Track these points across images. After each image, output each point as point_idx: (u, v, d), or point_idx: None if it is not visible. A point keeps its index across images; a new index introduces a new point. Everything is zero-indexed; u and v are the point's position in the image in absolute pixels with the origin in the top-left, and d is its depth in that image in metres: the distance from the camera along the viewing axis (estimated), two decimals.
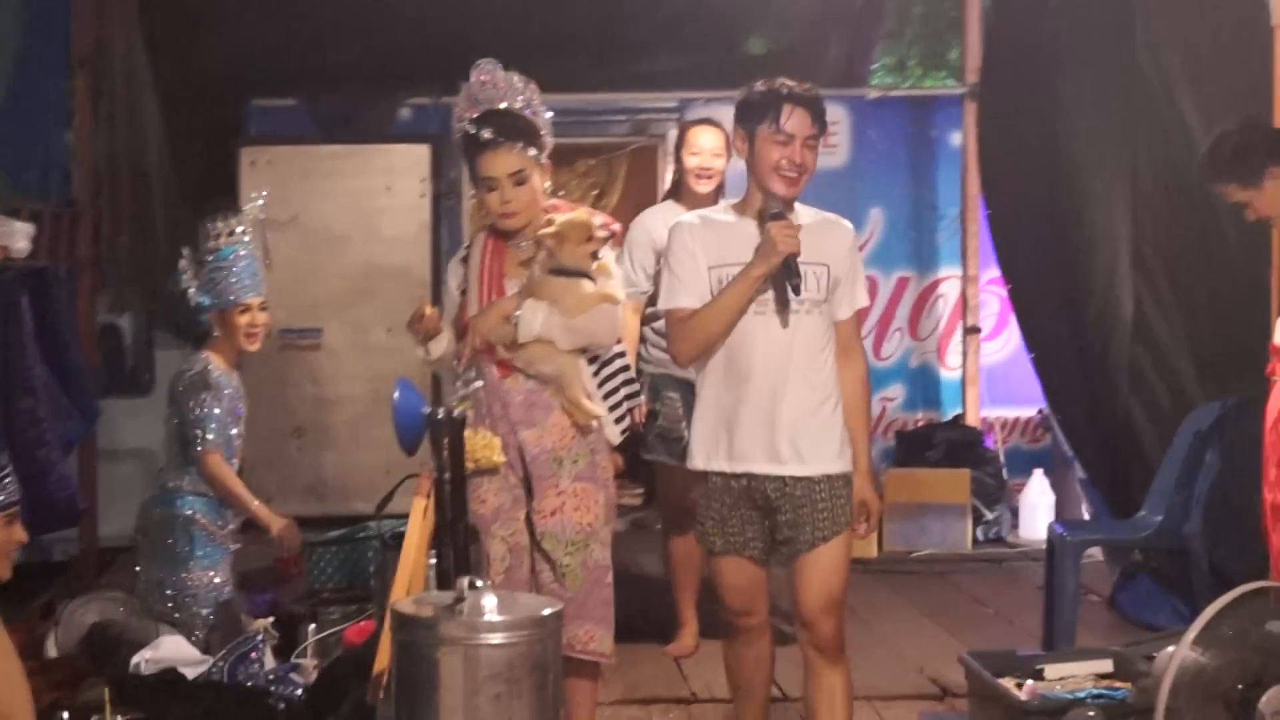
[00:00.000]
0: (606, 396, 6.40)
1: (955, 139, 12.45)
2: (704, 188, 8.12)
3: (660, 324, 8.17)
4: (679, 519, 8.40)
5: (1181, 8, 9.27)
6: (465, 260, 6.44)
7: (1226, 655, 5.53)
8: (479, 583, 4.69)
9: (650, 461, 8.59)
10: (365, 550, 7.73)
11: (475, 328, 6.21)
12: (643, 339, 8.39)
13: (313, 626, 7.29)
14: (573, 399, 6.21)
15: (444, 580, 5.34)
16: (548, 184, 6.33)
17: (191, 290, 7.51)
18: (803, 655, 6.22)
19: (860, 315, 6.26)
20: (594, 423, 6.26)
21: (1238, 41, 8.50)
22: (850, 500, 6.02)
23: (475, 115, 6.26)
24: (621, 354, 6.49)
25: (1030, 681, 6.63)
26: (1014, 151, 10.54)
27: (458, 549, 5.38)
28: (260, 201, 7.87)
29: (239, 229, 7.59)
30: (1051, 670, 6.71)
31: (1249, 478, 7.77)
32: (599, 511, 6.30)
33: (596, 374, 6.37)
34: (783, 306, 5.86)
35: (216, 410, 7.37)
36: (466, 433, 5.93)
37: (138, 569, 7.57)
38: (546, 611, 4.74)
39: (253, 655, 6.67)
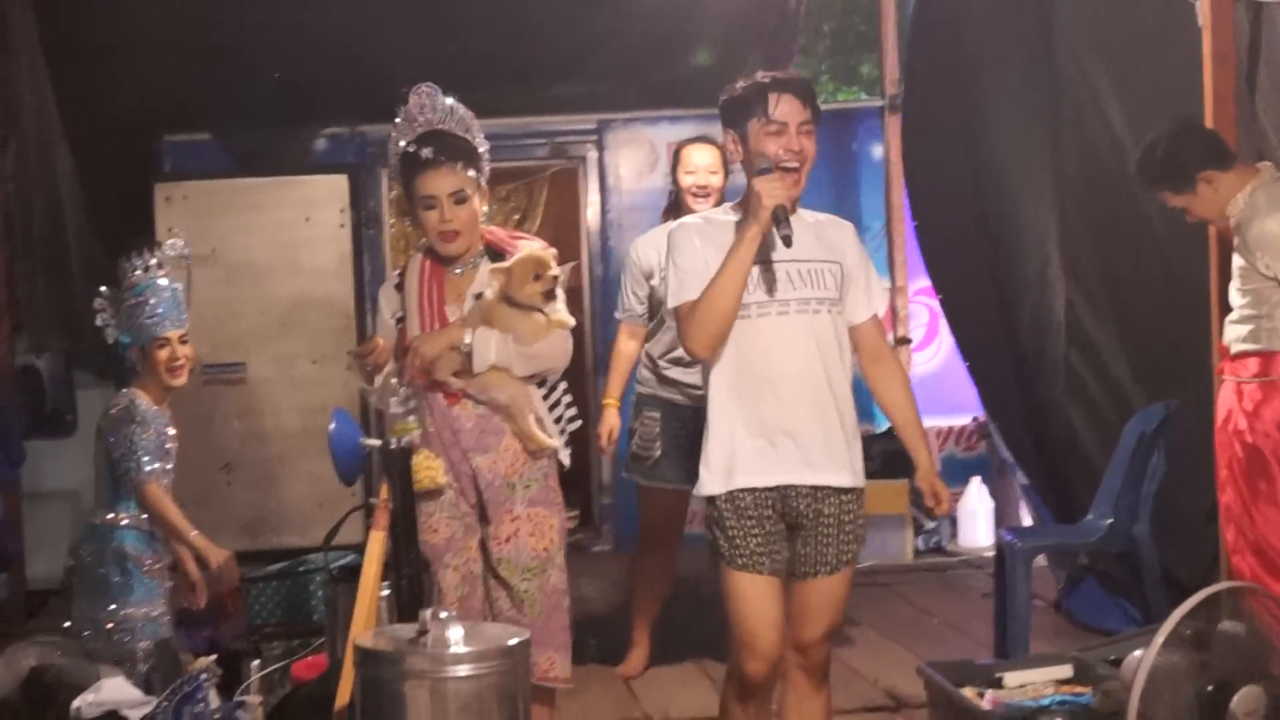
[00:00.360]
0: (555, 420, 6.31)
1: (877, 151, 12.42)
2: (701, 206, 7.95)
3: (649, 344, 8.13)
4: (648, 538, 8.33)
5: (1102, 12, 9.25)
6: (399, 287, 6.32)
7: (1194, 657, 5.46)
8: (443, 614, 4.57)
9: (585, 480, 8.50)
10: (307, 584, 7.62)
11: (417, 350, 6.09)
12: None
13: (256, 663, 7.14)
14: (524, 429, 6.13)
15: (401, 612, 5.22)
16: (485, 208, 6.24)
17: (110, 328, 7.37)
18: (787, 675, 5.84)
19: (879, 322, 5.91)
20: (546, 452, 6.19)
21: (1162, 42, 8.48)
22: (864, 523, 5.86)
23: (415, 136, 6.20)
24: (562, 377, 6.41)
25: (990, 691, 6.54)
26: (939, 162, 10.50)
27: (412, 580, 5.26)
28: (180, 240, 7.71)
29: (154, 264, 7.45)
30: (1011, 678, 6.63)
31: (1195, 479, 7.77)
32: (554, 536, 6.23)
33: (546, 397, 6.28)
34: (798, 303, 5.52)
35: (142, 439, 7.23)
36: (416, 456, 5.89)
37: (72, 609, 7.42)
38: (514, 641, 4.64)
39: (197, 695, 6.53)
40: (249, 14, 11.82)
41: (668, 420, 8.17)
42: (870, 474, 10.98)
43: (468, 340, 6.07)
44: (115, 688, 6.79)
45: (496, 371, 6.11)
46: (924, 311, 12.35)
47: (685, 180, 8.17)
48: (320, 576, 7.56)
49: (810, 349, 5.57)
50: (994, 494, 11.49)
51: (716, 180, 8.13)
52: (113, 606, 7.23)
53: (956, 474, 11.77)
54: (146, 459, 7.20)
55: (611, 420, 8.29)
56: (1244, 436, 6.71)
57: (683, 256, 5.56)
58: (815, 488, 5.62)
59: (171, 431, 7.45)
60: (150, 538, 7.34)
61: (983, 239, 10.46)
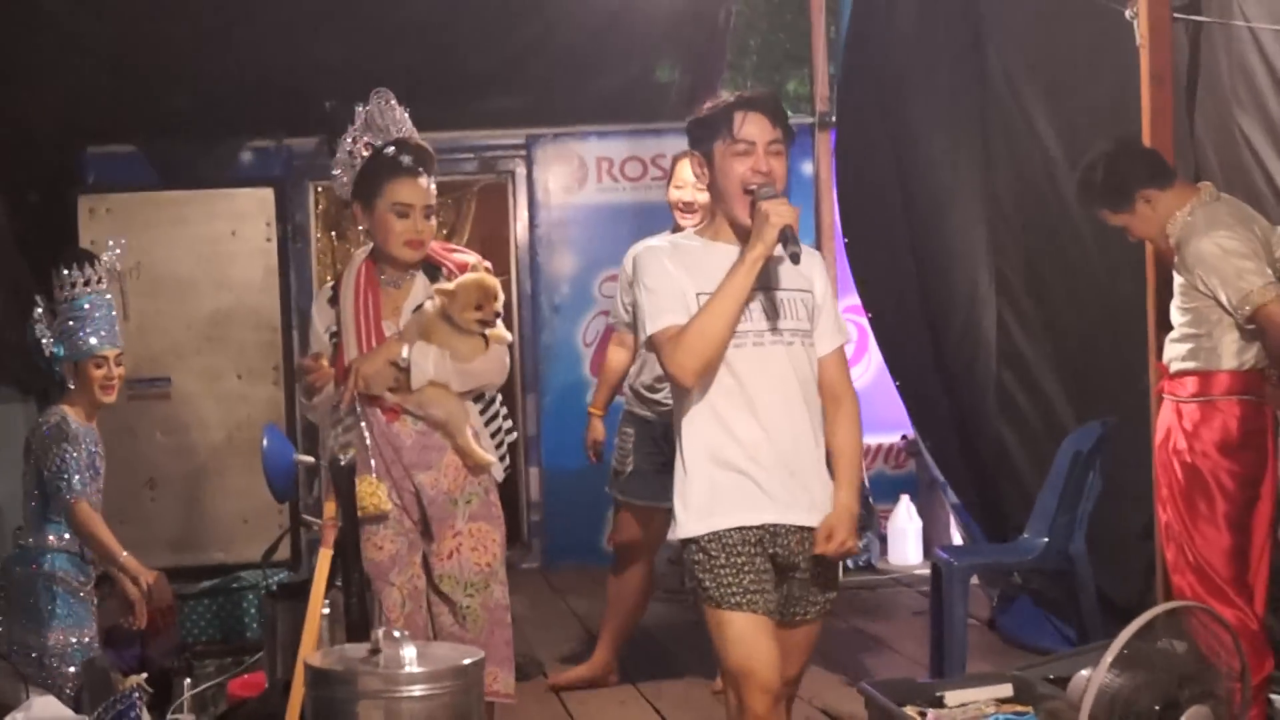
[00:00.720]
0: (491, 435, 6.27)
1: (806, 168, 12.36)
2: (687, 222, 7.92)
3: (631, 375, 8.10)
4: (620, 555, 8.30)
5: (1033, 32, 9.27)
6: (334, 300, 6.24)
7: (1139, 677, 5.44)
8: (395, 633, 4.51)
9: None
10: (239, 601, 7.52)
11: (358, 371, 6.02)
12: None
13: (188, 681, 7.07)
14: (464, 445, 6.09)
15: (350, 631, 5.15)
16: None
17: (46, 340, 7.26)
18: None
19: (842, 354, 5.56)
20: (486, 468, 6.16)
21: (1093, 62, 8.51)
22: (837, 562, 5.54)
23: (391, 140, 6.14)
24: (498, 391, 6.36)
25: (931, 710, 6.52)
26: (870, 180, 10.47)
27: (360, 599, 5.19)
28: (117, 251, 7.62)
29: (95, 279, 7.35)
30: (952, 697, 6.60)
31: (1129, 498, 7.78)
32: (496, 551, 6.20)
33: (483, 412, 6.24)
34: (774, 333, 5.29)
35: (72, 458, 7.13)
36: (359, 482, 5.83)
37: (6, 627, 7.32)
38: (467, 661, 4.57)
39: (130, 714, 6.44)
40: (173, 27, 11.69)
41: (641, 437, 8.13)
42: None
43: (405, 355, 6.01)
44: (45, 706, 6.68)
45: (434, 387, 6.06)
46: (853, 329, 12.25)
47: (673, 195, 8.18)
48: (253, 594, 7.46)
49: (790, 382, 5.32)
50: (922, 512, 11.49)
51: (704, 197, 8.07)
52: (42, 633, 7.15)
53: (885, 492, 11.81)
54: (77, 478, 7.11)
55: (596, 430, 8.29)
56: (1183, 456, 6.71)
57: (654, 280, 5.32)
58: (802, 528, 5.37)
59: (99, 449, 7.36)
60: (80, 560, 7.26)
61: (912, 257, 10.45)
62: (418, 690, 4.41)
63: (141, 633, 8.20)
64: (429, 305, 6.08)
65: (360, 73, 11.77)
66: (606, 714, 8.00)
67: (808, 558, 5.39)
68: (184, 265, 11.69)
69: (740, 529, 5.27)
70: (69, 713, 6.69)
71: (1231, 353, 6.59)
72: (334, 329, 6.19)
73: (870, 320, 10.83)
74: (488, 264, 6.26)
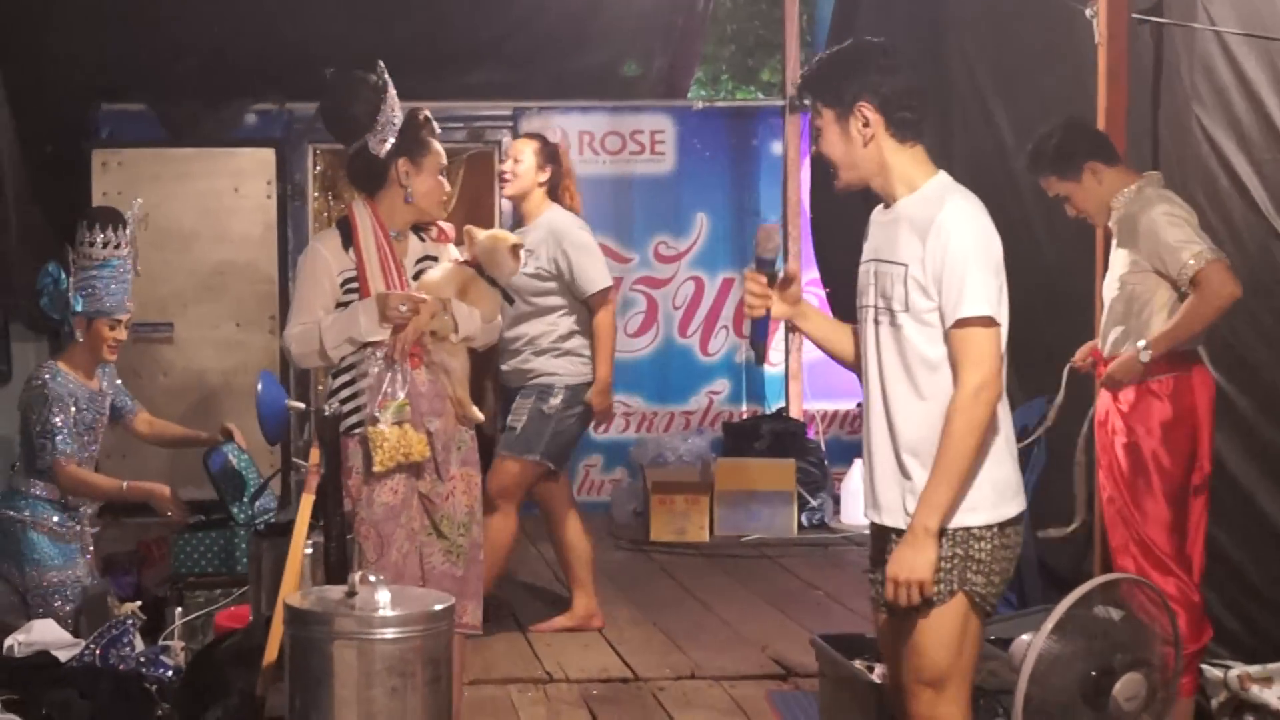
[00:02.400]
0: None
1: (776, 148, 12.34)
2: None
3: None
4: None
5: (992, 24, 9.15)
6: (347, 246, 6.04)
7: (1076, 643, 5.31)
8: (371, 577, 4.38)
9: None
10: (231, 536, 7.39)
11: (415, 323, 5.88)
12: None
13: (179, 610, 6.98)
14: (463, 395, 6.03)
15: (330, 573, 5.02)
16: None
17: (72, 294, 7.15)
18: None
19: (968, 324, 4.50)
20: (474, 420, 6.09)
21: (1049, 55, 8.40)
22: (952, 562, 4.61)
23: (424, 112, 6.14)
24: None
25: (879, 664, 6.39)
26: None
27: (341, 542, 5.06)
28: (136, 211, 7.50)
29: (123, 243, 7.24)
30: None
31: (1070, 471, 7.66)
32: (477, 493, 6.12)
33: None
34: (871, 309, 4.67)
35: (58, 420, 7.02)
36: (398, 430, 5.78)
37: None
38: (438, 606, 4.45)
39: (124, 639, 6.38)
40: None
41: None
42: (759, 453, 11.21)
43: (447, 313, 5.96)
44: (45, 629, 6.66)
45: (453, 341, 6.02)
46: (814, 301, 12.21)
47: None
48: (244, 530, 7.34)
49: (871, 363, 4.71)
50: None
51: (519, 168, 8.19)
52: (26, 573, 7.09)
53: (840, 455, 11.75)
54: (60, 439, 7.03)
55: None
56: (1121, 437, 6.58)
57: None
58: (885, 529, 4.79)
59: (97, 406, 7.26)
60: (63, 507, 7.15)
61: (867, 236, 10.31)
62: (390, 633, 4.29)
63: (138, 561, 8.13)
64: (453, 266, 6.05)
65: (359, 43, 11.86)
66: (569, 654, 7.88)
67: (884, 556, 4.73)
68: (188, 218, 11.66)
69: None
70: (66, 635, 6.66)
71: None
72: (350, 275, 5.98)
73: (827, 295, 10.72)
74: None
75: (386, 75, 6.08)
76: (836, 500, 11.41)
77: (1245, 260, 6.89)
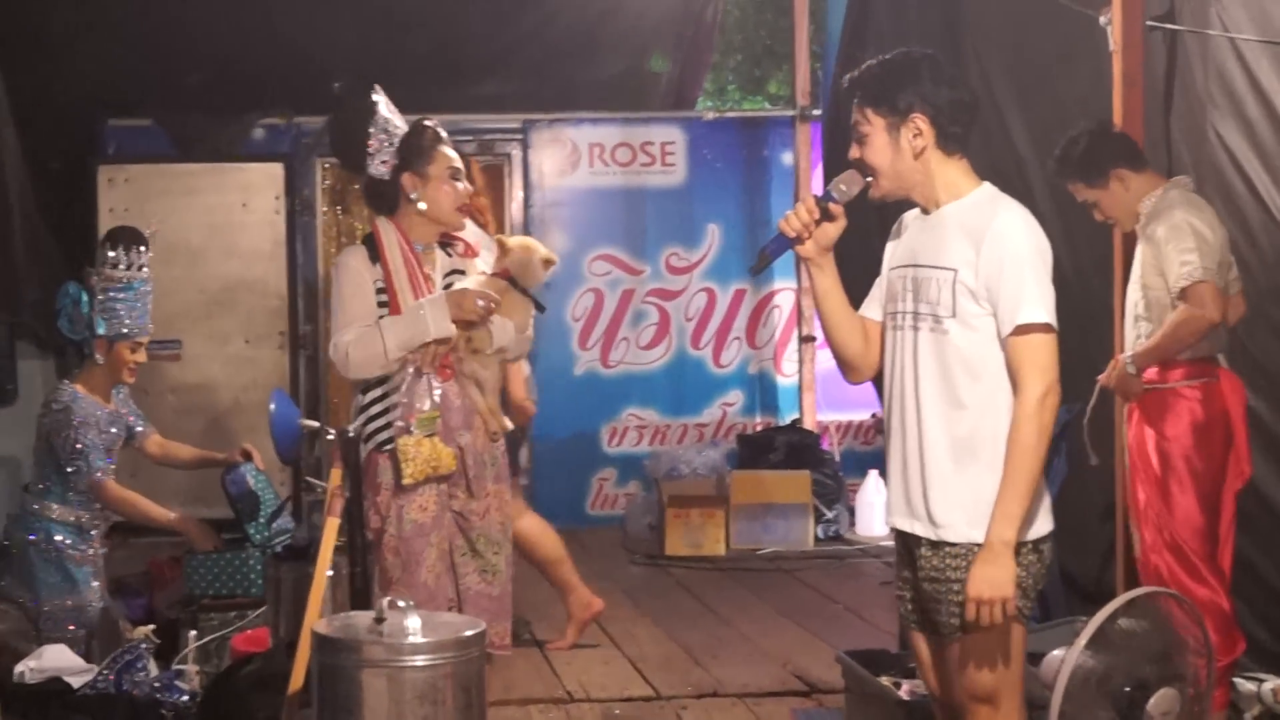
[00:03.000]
0: None
1: (787, 158, 12.28)
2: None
3: None
4: None
5: (1008, 33, 9.08)
6: (373, 259, 5.96)
7: (1109, 658, 5.24)
8: (400, 602, 4.30)
9: None
10: (246, 558, 7.30)
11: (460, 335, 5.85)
12: None
13: (193, 633, 6.89)
14: (492, 406, 5.97)
15: (355, 598, 4.95)
16: None
17: (86, 311, 7.10)
18: None
19: (1028, 331, 4.43)
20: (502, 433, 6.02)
21: (1065, 64, 8.34)
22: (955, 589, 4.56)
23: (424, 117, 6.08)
24: None
25: (906, 681, 6.32)
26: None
27: (364, 566, 4.99)
28: (153, 229, 7.48)
29: (144, 264, 7.19)
30: None
31: (1090, 481, 7.61)
32: (509, 511, 6.08)
33: None
34: (911, 315, 4.58)
35: (90, 438, 6.96)
36: (428, 442, 5.71)
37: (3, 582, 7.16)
38: (469, 632, 4.36)
39: (138, 664, 6.30)
40: (193, 8, 11.67)
41: None
42: (774, 465, 11.14)
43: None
44: (57, 655, 6.57)
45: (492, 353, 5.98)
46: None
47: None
48: (258, 551, 7.26)
49: (907, 369, 4.61)
50: None
51: None
52: (42, 599, 7.05)
53: (854, 467, 11.70)
54: (95, 457, 6.98)
55: None
56: (1154, 442, 6.53)
57: None
58: (903, 533, 4.73)
59: (114, 429, 7.20)
60: (79, 530, 7.10)
61: (880, 241, 10.22)
62: (420, 660, 4.21)
63: (150, 584, 8.05)
64: (487, 279, 5.99)
65: (368, 56, 11.87)
66: (591, 673, 7.80)
67: (928, 572, 4.62)
68: (196, 234, 11.60)
69: (890, 524, 4.82)
70: (79, 661, 6.57)
71: None
72: (380, 286, 5.90)
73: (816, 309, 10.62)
74: None
75: (376, 96, 6.03)
76: (852, 512, 11.34)
77: (1263, 265, 6.85)
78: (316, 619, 4.61)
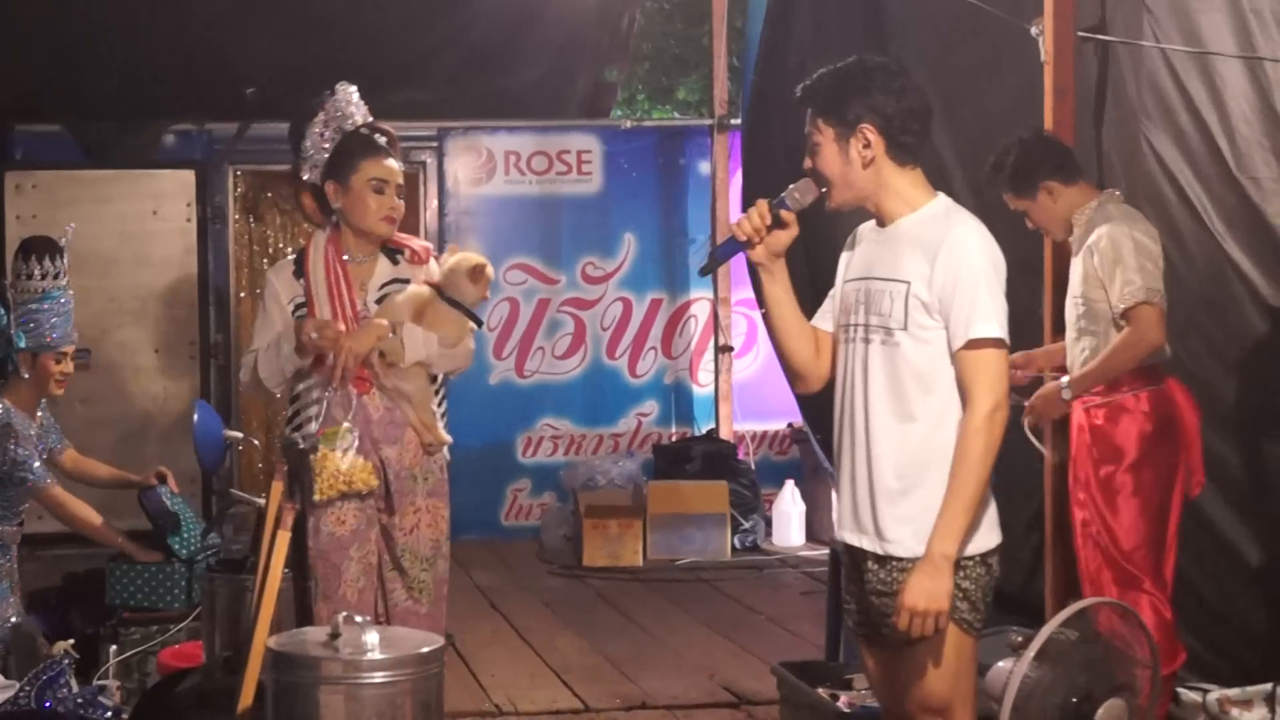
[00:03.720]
0: (441, 416, 6.00)
1: (704, 167, 12.23)
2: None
3: None
4: None
5: (932, 44, 9.08)
6: (298, 275, 5.91)
7: (1056, 670, 5.22)
8: (358, 618, 4.20)
9: None
10: (170, 571, 7.17)
11: (349, 349, 5.68)
12: None
13: (114, 648, 6.75)
14: (426, 420, 5.82)
15: (303, 614, 4.84)
16: None
17: (3, 325, 6.94)
18: None
19: (980, 346, 4.38)
20: (440, 447, 5.88)
21: (990, 76, 8.34)
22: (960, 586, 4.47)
23: (363, 122, 5.96)
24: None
25: (843, 693, 6.28)
26: (772, 183, 10.20)
27: (310, 579, 4.88)
28: (69, 235, 7.31)
29: (61, 272, 7.03)
30: (860, 680, 6.36)
31: (1019, 491, 7.59)
32: (445, 527, 5.92)
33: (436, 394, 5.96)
34: (862, 328, 4.52)
35: (28, 452, 6.82)
36: (333, 457, 5.60)
37: None
38: (427, 648, 4.26)
39: (59, 680, 6.12)
40: (102, 11, 11.51)
41: None
42: (691, 475, 11.10)
43: (392, 335, 5.74)
44: None
45: (413, 366, 5.80)
46: (743, 321, 12.16)
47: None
48: (181, 565, 7.13)
49: (856, 382, 4.57)
50: (805, 497, 11.29)
51: None
52: None
53: (770, 476, 11.67)
54: (38, 465, 6.83)
55: None
56: (1098, 454, 6.50)
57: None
58: (851, 547, 4.67)
59: (41, 444, 7.06)
60: (1, 546, 6.92)
61: (804, 258, 10.20)
62: (379, 676, 4.11)
63: (64, 598, 7.88)
64: (414, 289, 5.82)
65: (281, 63, 11.75)
66: (517, 685, 7.73)
67: (875, 585, 4.58)
68: (106, 242, 11.40)
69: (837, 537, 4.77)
70: None
71: None
72: (300, 301, 5.86)
73: (763, 314, 10.55)
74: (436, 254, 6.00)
75: (322, 99, 5.97)
76: (769, 522, 11.33)
77: (1195, 276, 6.87)
78: (265, 634, 4.49)
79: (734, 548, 10.95)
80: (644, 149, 12.24)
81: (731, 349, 12.02)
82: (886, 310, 4.48)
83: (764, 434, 12.14)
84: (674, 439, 12.02)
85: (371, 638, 4.15)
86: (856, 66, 4.65)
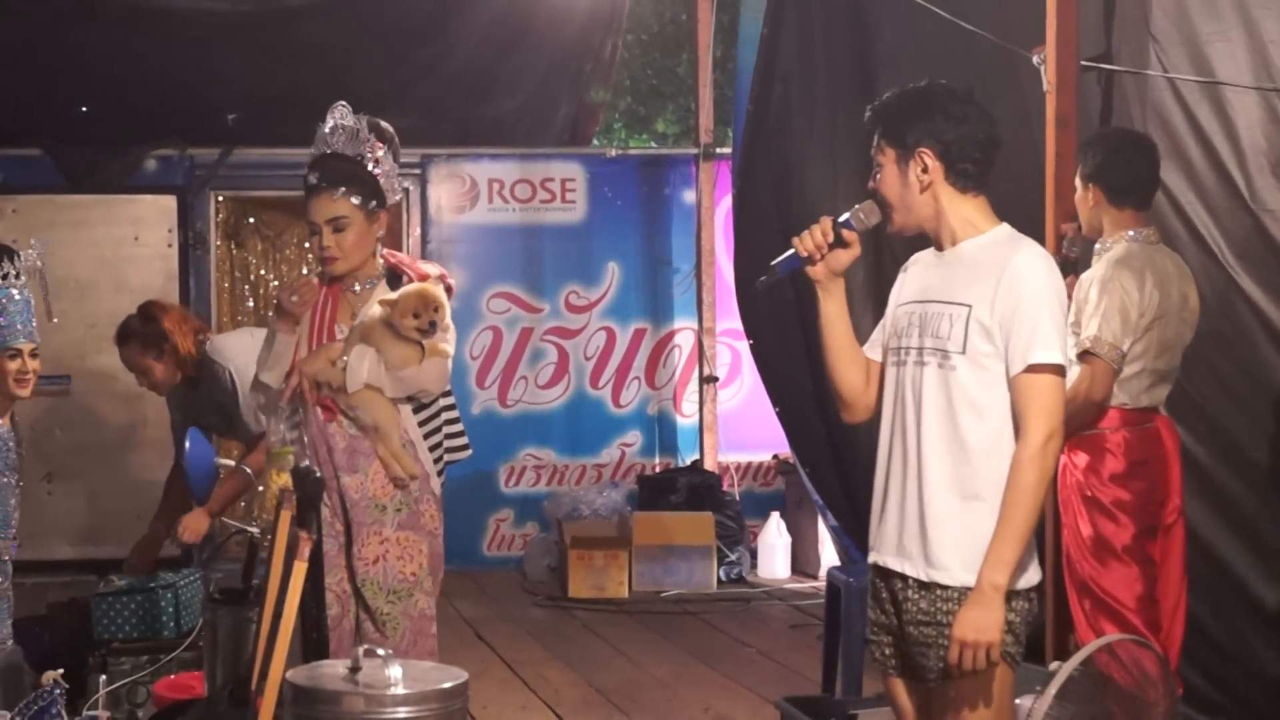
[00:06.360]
0: (431, 448, 5.81)
1: (689, 196, 12.11)
2: None
3: None
4: None
5: (922, 68, 8.94)
6: None
7: (1073, 707, 5.11)
8: (380, 651, 4.07)
9: None
10: (158, 600, 7.04)
11: (300, 369, 5.63)
12: None
13: (103, 678, 6.57)
14: (393, 451, 5.64)
15: (315, 649, 4.70)
16: (381, 232, 5.77)
17: None
18: None
19: (1039, 371, 4.28)
20: (410, 480, 5.67)
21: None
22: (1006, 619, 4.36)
23: (311, 160, 5.74)
24: (450, 405, 5.90)
25: None
26: (762, 212, 10.15)
27: (320, 613, 4.75)
28: (40, 249, 7.11)
29: (13, 273, 6.85)
30: (866, 716, 6.25)
31: None
32: (423, 561, 5.72)
33: (422, 424, 5.78)
34: (915, 351, 4.43)
35: None
36: (283, 477, 5.42)
37: None
38: (450, 684, 4.13)
39: (51, 710, 5.96)
40: (82, 34, 11.44)
41: None
42: (675, 506, 10.98)
43: (345, 357, 5.59)
44: None
45: (369, 391, 5.62)
46: (727, 352, 12.04)
47: None
48: (171, 593, 6.99)
49: (906, 405, 4.47)
50: (791, 529, 11.18)
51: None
52: None
53: (754, 508, 11.54)
54: None
55: None
56: (1083, 490, 6.37)
57: None
58: (889, 570, 4.54)
59: (12, 446, 6.86)
60: None
61: (791, 287, 10.10)
62: (403, 712, 3.98)
63: (49, 626, 7.73)
64: (375, 311, 5.66)
65: (262, 89, 11.68)
66: (510, 718, 7.59)
67: (914, 615, 4.45)
68: (86, 267, 11.33)
69: (872, 562, 4.62)
70: None
71: (1119, 390, 6.26)
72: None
73: (751, 346, 10.49)
74: (450, 281, 5.83)
75: (331, 115, 5.83)
76: (754, 554, 11.19)
77: (1204, 309, 6.73)
78: (282, 668, 4.35)
79: (719, 580, 10.82)
80: (628, 178, 12.10)
81: (716, 379, 11.90)
82: (945, 333, 4.38)
83: (748, 465, 12.02)
84: (658, 469, 11.89)
85: (394, 672, 4.02)
86: (921, 90, 4.59)
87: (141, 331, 7.81)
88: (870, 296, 8.76)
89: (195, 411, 7.79)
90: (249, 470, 7.31)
